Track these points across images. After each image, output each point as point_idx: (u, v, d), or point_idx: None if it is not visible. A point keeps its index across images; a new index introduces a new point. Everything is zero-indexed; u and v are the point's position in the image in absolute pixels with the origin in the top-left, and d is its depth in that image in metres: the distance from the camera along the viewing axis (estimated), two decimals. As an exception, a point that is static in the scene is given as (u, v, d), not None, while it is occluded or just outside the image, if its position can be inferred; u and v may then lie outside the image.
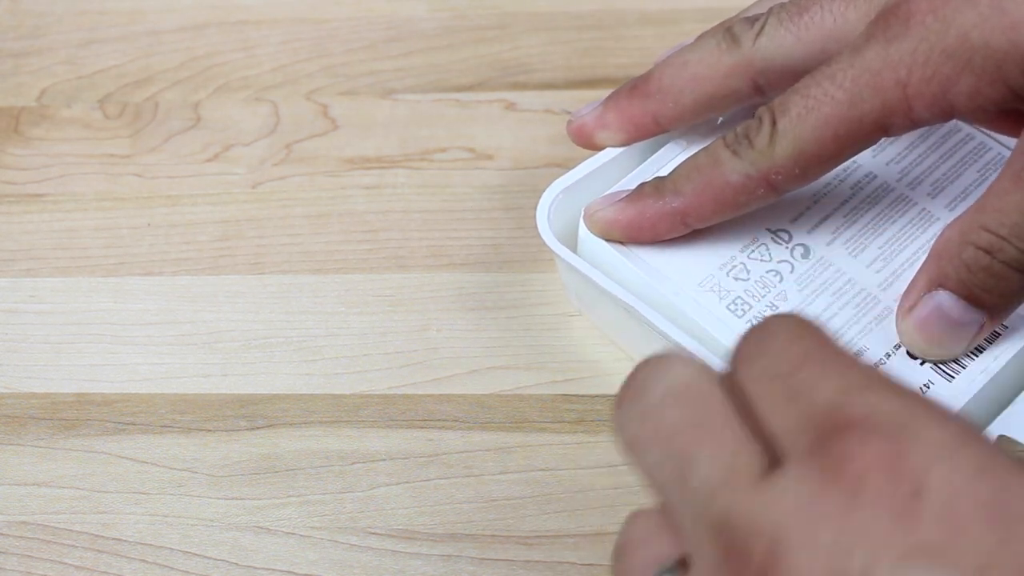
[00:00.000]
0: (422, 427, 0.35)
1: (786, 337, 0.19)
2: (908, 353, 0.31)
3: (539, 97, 0.44)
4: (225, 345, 0.37)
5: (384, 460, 0.34)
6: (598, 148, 0.34)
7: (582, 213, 0.33)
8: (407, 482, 0.33)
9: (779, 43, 0.31)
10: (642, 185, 0.32)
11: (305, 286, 0.38)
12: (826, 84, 0.29)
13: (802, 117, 0.29)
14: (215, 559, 0.32)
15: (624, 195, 0.33)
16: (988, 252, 0.28)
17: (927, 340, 0.30)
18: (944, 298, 0.29)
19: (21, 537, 0.33)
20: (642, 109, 0.33)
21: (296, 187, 0.41)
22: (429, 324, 0.37)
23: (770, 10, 0.32)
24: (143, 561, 0.32)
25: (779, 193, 0.31)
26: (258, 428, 0.35)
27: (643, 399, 0.19)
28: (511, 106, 0.44)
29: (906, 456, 0.16)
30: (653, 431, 0.18)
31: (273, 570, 0.32)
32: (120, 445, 0.35)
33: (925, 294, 0.29)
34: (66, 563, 0.32)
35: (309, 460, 0.34)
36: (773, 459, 0.17)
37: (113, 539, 0.33)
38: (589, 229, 0.33)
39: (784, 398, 0.18)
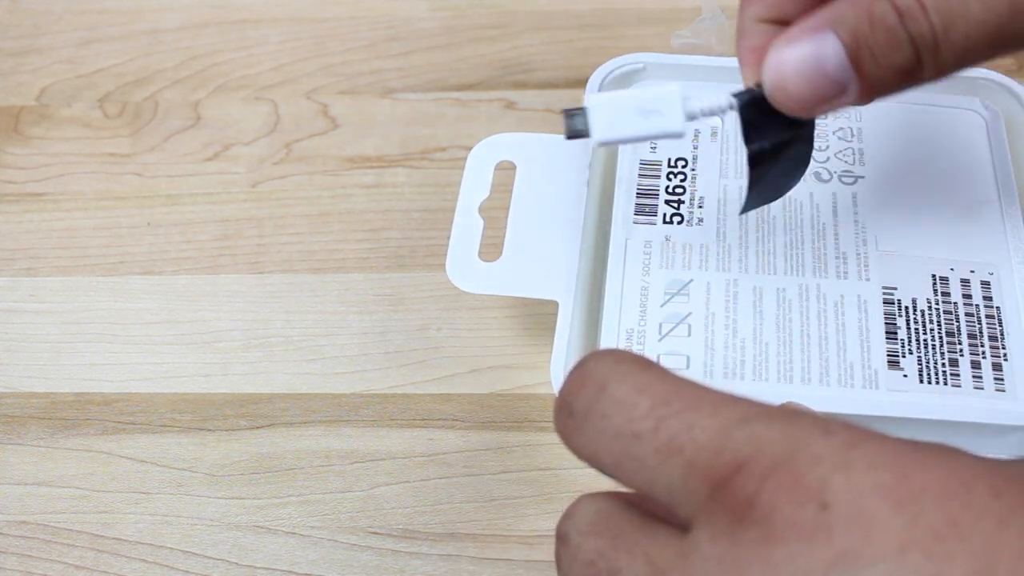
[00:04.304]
0: (422, 427, 0.35)
1: (623, 386, 0.18)
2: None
3: (539, 96, 0.44)
4: (225, 345, 0.37)
5: (384, 460, 0.34)
6: None
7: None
8: (407, 482, 0.33)
9: None
10: None
11: (305, 285, 0.38)
12: None
13: None
14: (215, 559, 0.32)
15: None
16: (900, 13, 0.24)
17: (783, 80, 0.25)
18: (829, 42, 0.25)
19: (21, 537, 0.33)
20: None
21: (296, 186, 0.41)
22: (429, 324, 0.37)
23: None
24: (143, 561, 0.32)
25: None
26: (258, 428, 0.35)
27: (567, 545, 0.19)
28: (511, 105, 0.44)
29: (803, 477, 0.16)
30: (581, 571, 0.19)
31: (273, 570, 0.32)
32: (120, 445, 0.35)
33: (812, 32, 0.25)
34: (66, 563, 0.32)
35: (309, 460, 0.34)
36: (678, 523, 0.18)
37: (113, 539, 0.33)
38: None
39: (659, 456, 0.18)
